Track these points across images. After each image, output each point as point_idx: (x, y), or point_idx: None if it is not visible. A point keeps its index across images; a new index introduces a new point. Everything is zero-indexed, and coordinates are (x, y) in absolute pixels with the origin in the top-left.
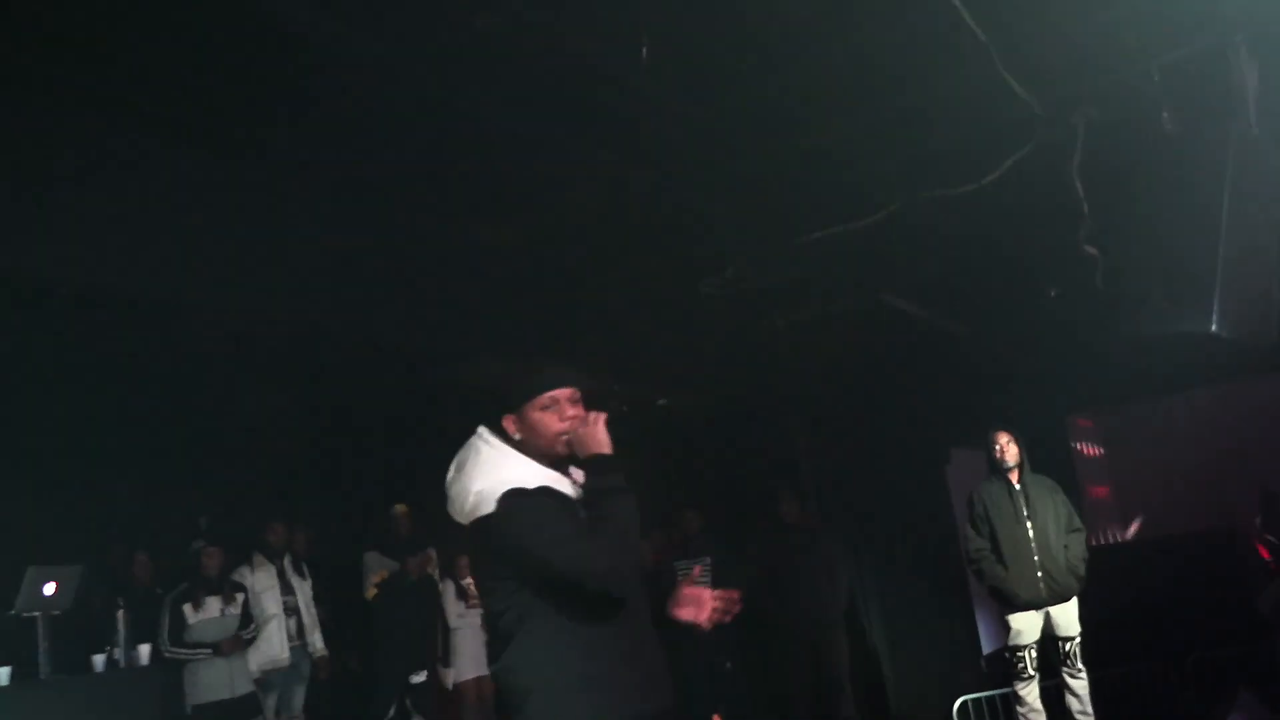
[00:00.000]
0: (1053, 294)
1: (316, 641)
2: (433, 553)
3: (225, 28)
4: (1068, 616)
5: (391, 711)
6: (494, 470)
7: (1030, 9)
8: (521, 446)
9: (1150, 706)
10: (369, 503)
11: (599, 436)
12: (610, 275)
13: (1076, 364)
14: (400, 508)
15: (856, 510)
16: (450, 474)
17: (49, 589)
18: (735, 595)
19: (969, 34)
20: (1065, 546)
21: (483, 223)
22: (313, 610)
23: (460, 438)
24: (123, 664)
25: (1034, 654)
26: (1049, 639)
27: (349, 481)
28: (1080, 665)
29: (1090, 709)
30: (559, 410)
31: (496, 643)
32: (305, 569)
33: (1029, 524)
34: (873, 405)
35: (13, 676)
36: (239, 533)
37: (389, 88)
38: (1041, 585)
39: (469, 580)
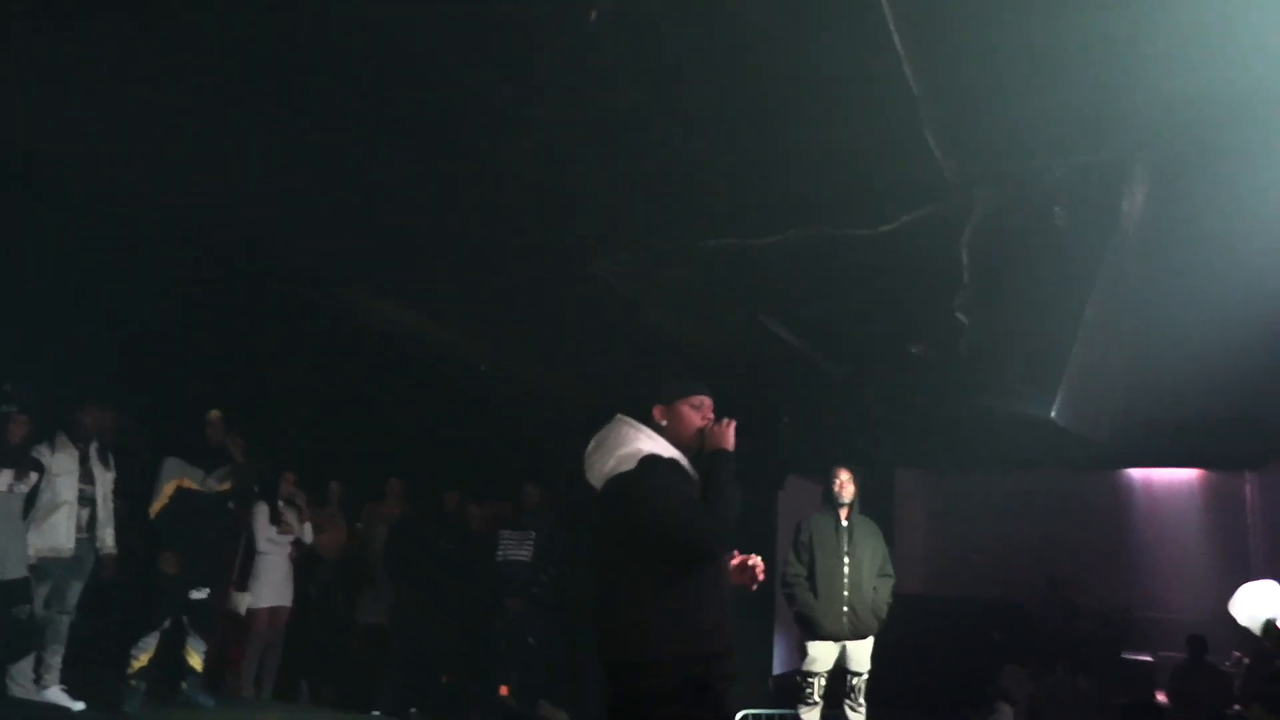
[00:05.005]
0: (914, 350)
1: (107, 538)
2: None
3: None
4: (861, 653)
5: (166, 624)
6: (635, 442)
7: (967, 77)
8: (662, 431)
9: None
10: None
11: (728, 437)
12: (505, 241)
13: (922, 422)
14: (214, 413)
15: None
16: (591, 447)
17: None
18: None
19: (904, 83)
20: (875, 588)
21: (395, 157)
22: (110, 504)
23: (312, 347)
24: None
25: (823, 682)
26: (840, 671)
27: (174, 379)
28: (862, 701)
29: None
30: (701, 411)
31: (602, 586)
32: (110, 459)
33: (846, 560)
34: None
35: None
36: (46, 406)
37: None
38: (845, 620)
39: (288, 502)
